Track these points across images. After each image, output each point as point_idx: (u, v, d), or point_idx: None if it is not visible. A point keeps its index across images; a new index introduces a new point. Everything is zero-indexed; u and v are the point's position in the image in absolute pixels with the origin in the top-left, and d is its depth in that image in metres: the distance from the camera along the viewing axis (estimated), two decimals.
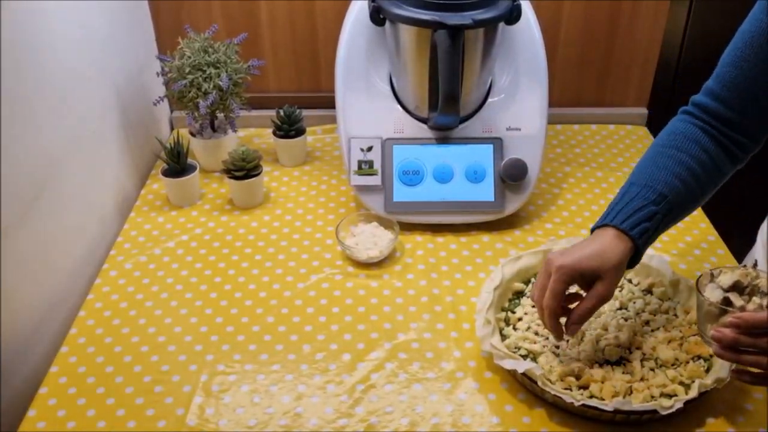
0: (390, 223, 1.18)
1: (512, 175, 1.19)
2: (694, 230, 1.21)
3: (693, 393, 0.85)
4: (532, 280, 1.05)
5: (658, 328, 0.96)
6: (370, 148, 1.21)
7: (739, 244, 1.20)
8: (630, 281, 1.05)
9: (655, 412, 0.83)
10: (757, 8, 0.86)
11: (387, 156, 1.21)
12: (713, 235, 1.20)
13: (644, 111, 1.54)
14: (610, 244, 0.87)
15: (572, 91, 1.54)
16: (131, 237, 1.21)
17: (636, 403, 0.84)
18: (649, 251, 1.12)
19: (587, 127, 1.53)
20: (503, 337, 0.96)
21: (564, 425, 0.87)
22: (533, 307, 1.00)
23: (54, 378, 0.94)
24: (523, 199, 1.21)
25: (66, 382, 0.94)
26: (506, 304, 1.02)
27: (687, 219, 1.22)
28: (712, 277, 0.85)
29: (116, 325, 1.03)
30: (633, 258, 0.89)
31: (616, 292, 1.02)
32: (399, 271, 1.13)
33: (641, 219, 0.88)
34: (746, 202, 1.52)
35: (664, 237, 1.18)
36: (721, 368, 0.87)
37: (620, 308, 1.00)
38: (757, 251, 1.11)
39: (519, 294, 1.03)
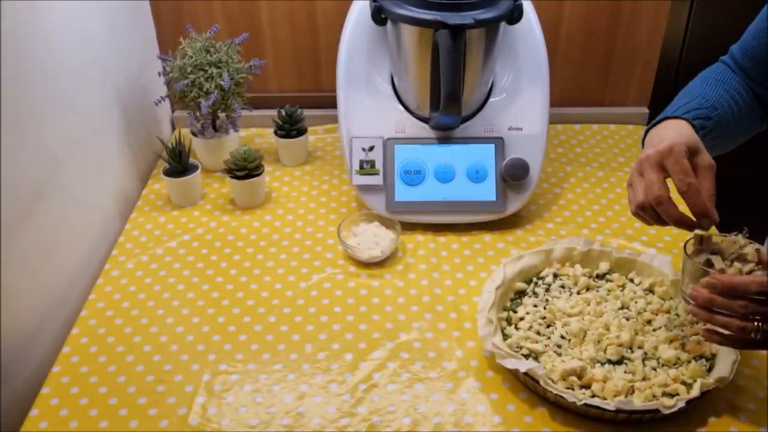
0: (391, 222, 1.18)
1: (514, 175, 1.19)
2: (696, 230, 1.21)
3: (695, 392, 0.85)
4: (534, 279, 1.06)
5: (659, 328, 0.96)
6: (371, 148, 1.21)
7: None
8: (632, 281, 1.05)
9: (657, 411, 0.83)
10: None
11: (388, 156, 1.21)
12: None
13: (645, 111, 1.54)
14: (680, 126, 0.88)
15: (573, 91, 1.54)
16: (133, 237, 1.21)
17: (638, 403, 0.84)
18: (651, 251, 1.12)
19: (588, 126, 1.53)
20: (505, 336, 0.96)
21: (566, 425, 0.87)
22: (535, 306, 1.00)
23: (56, 378, 0.94)
24: (524, 199, 1.21)
25: (68, 381, 0.94)
26: (508, 304, 1.02)
27: None
28: (702, 241, 0.87)
29: (118, 324, 1.03)
30: None
31: (618, 291, 1.03)
32: (401, 271, 1.13)
33: (699, 116, 0.90)
34: (754, 204, 1.52)
35: (665, 236, 1.19)
36: (723, 367, 0.87)
37: (622, 308, 1.00)
38: None
39: (521, 293, 1.03)
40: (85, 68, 1.15)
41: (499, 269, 1.03)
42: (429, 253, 1.17)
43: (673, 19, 1.46)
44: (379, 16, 1.15)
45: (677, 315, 0.98)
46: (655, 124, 0.93)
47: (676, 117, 0.91)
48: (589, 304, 1.00)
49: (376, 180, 1.20)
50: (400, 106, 1.23)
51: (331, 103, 1.27)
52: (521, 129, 1.22)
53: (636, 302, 1.01)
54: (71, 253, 1.10)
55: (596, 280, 1.06)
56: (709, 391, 0.86)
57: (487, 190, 1.20)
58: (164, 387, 0.93)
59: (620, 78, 1.52)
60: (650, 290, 1.03)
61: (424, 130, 1.22)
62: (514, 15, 1.13)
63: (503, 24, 1.13)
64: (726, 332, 0.80)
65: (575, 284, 1.04)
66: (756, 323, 0.77)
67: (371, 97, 1.23)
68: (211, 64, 1.27)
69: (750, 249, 0.84)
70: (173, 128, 1.54)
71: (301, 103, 1.41)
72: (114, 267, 1.14)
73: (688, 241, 0.88)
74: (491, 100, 1.24)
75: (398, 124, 1.22)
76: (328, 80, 1.51)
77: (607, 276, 1.06)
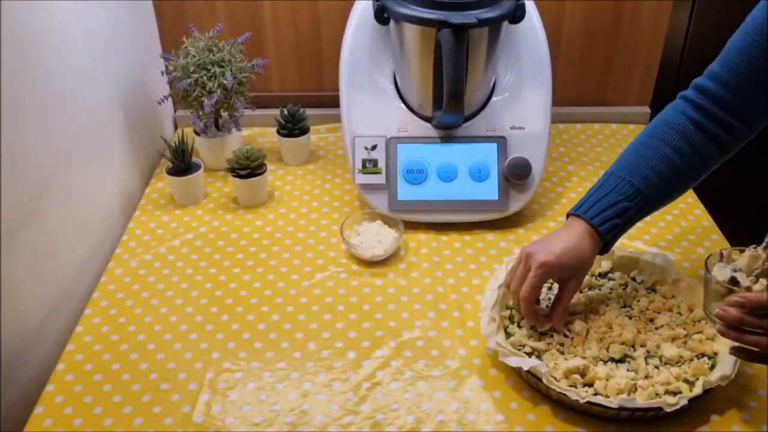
0: (394, 221, 1.18)
1: (516, 174, 1.19)
2: (698, 228, 1.22)
3: (697, 390, 0.85)
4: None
5: (662, 326, 0.97)
6: (374, 147, 1.21)
7: (747, 242, 1.20)
8: (634, 279, 1.05)
9: (659, 409, 0.83)
10: None
11: (391, 155, 1.21)
12: (716, 233, 1.21)
13: (647, 110, 1.55)
14: (583, 240, 0.93)
15: (575, 90, 1.54)
16: (136, 236, 1.21)
17: (640, 401, 0.84)
18: (653, 249, 1.12)
19: (590, 126, 1.54)
20: (508, 334, 0.96)
21: (568, 422, 0.87)
22: (538, 305, 1.00)
23: (60, 375, 0.95)
24: (526, 198, 1.21)
25: (72, 379, 0.94)
26: (511, 302, 1.02)
27: (691, 218, 1.24)
28: (722, 257, 0.87)
29: (122, 323, 1.03)
30: (602, 249, 0.96)
31: (620, 290, 1.03)
32: (403, 270, 1.14)
33: (613, 215, 0.94)
34: (753, 201, 1.52)
35: (667, 235, 1.19)
36: (725, 365, 0.87)
37: (624, 306, 1.00)
38: None
39: None
40: (87, 67, 1.15)
41: (502, 268, 1.03)
42: (431, 251, 1.17)
43: (674, 19, 1.46)
44: (381, 15, 1.15)
45: (679, 313, 0.99)
46: (575, 213, 0.95)
47: (587, 221, 0.93)
48: (591, 303, 1.00)
49: (379, 179, 1.20)
50: (403, 105, 1.24)
51: (334, 102, 1.28)
52: (523, 128, 1.22)
53: (638, 301, 1.01)
54: (75, 251, 1.10)
55: (598, 278, 1.06)
56: (712, 389, 0.86)
57: (490, 189, 1.20)
58: (168, 385, 0.93)
59: (622, 77, 1.53)
60: (652, 288, 1.04)
61: (426, 129, 1.22)
62: (517, 14, 1.13)
63: (506, 23, 1.14)
64: (756, 349, 0.79)
65: None
66: None
67: (374, 96, 1.23)
68: (214, 63, 1.27)
69: None
70: (176, 127, 1.55)
71: (304, 102, 1.41)
72: (117, 265, 1.14)
73: (708, 258, 0.87)
74: (493, 99, 1.24)
75: (401, 123, 1.22)
76: (330, 79, 1.51)
77: (610, 275, 1.06)
